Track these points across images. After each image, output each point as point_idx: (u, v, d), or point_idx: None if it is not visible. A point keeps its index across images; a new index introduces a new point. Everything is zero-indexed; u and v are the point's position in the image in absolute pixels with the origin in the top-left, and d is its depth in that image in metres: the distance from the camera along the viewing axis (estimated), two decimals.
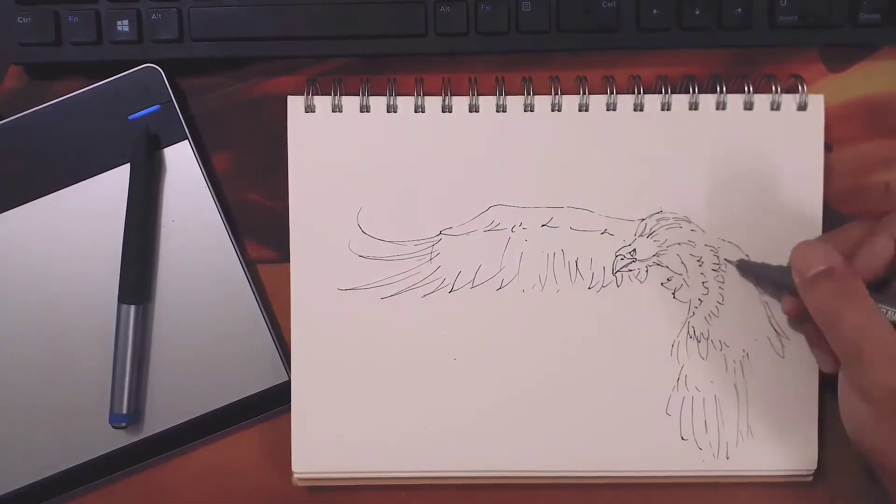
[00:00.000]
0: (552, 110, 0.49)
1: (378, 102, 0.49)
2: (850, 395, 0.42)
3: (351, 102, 0.49)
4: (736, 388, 0.49)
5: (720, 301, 0.49)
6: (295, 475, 0.49)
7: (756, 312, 0.49)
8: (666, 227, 0.49)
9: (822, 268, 0.42)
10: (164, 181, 0.50)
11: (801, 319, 0.47)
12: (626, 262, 0.49)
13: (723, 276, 0.49)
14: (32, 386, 0.49)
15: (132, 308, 0.48)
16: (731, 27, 0.48)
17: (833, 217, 0.50)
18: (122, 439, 0.50)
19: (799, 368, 0.49)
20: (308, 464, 0.49)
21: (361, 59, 0.51)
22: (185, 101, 0.50)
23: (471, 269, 0.49)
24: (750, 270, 0.48)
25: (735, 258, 0.49)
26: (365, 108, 0.49)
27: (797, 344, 0.49)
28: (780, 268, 0.47)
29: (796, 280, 0.43)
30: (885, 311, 0.41)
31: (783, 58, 0.51)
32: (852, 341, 0.40)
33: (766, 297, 0.49)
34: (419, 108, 0.49)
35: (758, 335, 0.49)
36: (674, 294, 0.49)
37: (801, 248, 0.43)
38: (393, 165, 0.49)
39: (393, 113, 0.49)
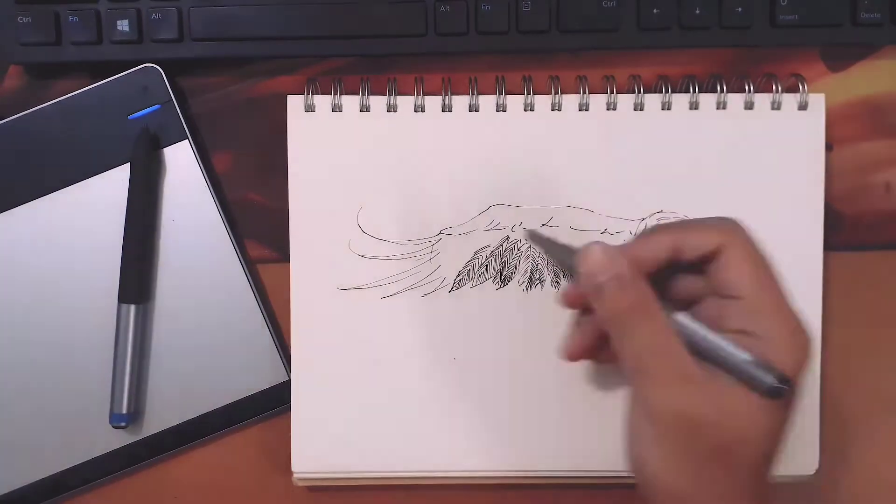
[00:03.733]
0: (552, 110, 0.49)
1: (378, 102, 0.49)
2: (635, 408, 0.38)
3: (351, 102, 0.49)
4: None
5: None
6: (295, 475, 0.49)
7: None
8: None
9: (612, 274, 0.37)
10: (164, 181, 0.50)
11: (576, 310, 0.44)
12: None
13: None
14: (32, 386, 0.49)
15: (132, 308, 0.48)
16: (732, 26, 0.48)
17: (834, 217, 0.50)
18: (122, 439, 0.50)
19: None
20: (308, 464, 0.49)
21: (361, 58, 0.51)
22: (185, 101, 0.50)
23: (471, 269, 0.49)
24: (539, 242, 0.45)
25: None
26: (365, 108, 0.49)
27: None
28: (564, 247, 0.42)
29: (583, 282, 0.38)
30: (679, 323, 0.37)
31: (784, 57, 0.51)
32: (640, 357, 0.37)
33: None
34: (419, 108, 0.49)
35: None
36: None
37: (591, 251, 0.38)
38: (393, 165, 0.49)
39: (393, 113, 0.49)
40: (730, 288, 0.37)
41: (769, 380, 0.34)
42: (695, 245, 0.38)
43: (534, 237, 0.45)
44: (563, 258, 0.42)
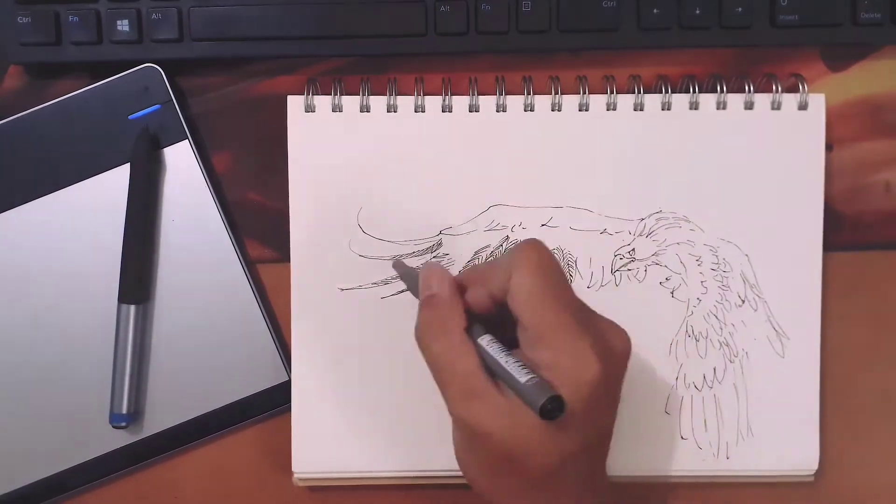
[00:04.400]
0: (552, 110, 0.49)
1: (378, 102, 0.49)
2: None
3: (351, 102, 0.49)
4: (735, 387, 0.49)
5: (719, 300, 0.49)
6: (295, 475, 0.49)
7: (756, 312, 0.49)
8: (665, 226, 0.49)
9: (430, 293, 0.41)
10: (164, 181, 0.50)
11: None
12: (625, 261, 0.49)
13: (722, 276, 0.49)
14: (32, 386, 0.49)
15: (132, 308, 0.48)
16: (732, 26, 0.48)
17: (834, 217, 0.50)
18: (122, 439, 0.50)
19: (799, 368, 0.49)
20: (308, 464, 0.49)
21: (361, 58, 0.51)
22: (185, 101, 0.50)
23: None
24: (400, 271, 0.46)
25: (734, 259, 0.49)
26: (365, 108, 0.49)
27: (797, 344, 0.49)
28: (416, 277, 0.44)
29: (419, 300, 0.42)
30: (480, 345, 0.39)
31: (784, 57, 0.51)
32: (434, 368, 0.40)
33: (762, 296, 0.49)
34: (419, 108, 0.49)
35: (757, 335, 0.49)
36: (672, 293, 0.49)
37: (425, 269, 0.42)
38: (393, 165, 0.49)
39: (393, 113, 0.49)
40: (517, 317, 0.39)
41: (541, 401, 0.35)
42: (497, 287, 0.40)
43: (398, 266, 0.46)
44: (412, 287, 0.44)
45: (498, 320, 0.40)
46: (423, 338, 0.40)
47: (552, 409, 0.35)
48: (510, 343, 0.39)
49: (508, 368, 0.37)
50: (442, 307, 0.40)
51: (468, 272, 0.42)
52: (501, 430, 0.37)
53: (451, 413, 0.39)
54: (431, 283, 0.41)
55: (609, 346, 0.39)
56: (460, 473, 0.48)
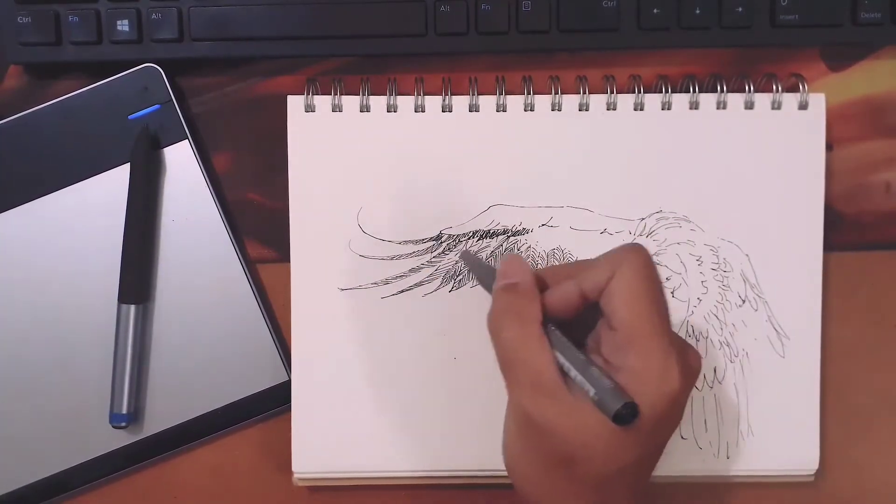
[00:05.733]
0: (552, 110, 0.49)
1: (378, 102, 0.49)
2: (507, 409, 0.40)
3: (351, 102, 0.49)
4: (736, 387, 0.49)
5: (719, 300, 0.49)
6: (295, 475, 0.49)
7: (756, 312, 0.49)
8: (665, 226, 0.49)
9: (510, 281, 0.40)
10: (164, 181, 0.50)
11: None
12: None
13: (722, 276, 0.49)
14: (33, 386, 0.49)
15: (132, 308, 0.48)
16: (732, 26, 0.48)
17: (834, 217, 0.50)
18: (122, 439, 0.50)
19: (799, 368, 0.49)
20: (308, 464, 0.49)
21: (361, 58, 0.51)
22: (185, 101, 0.50)
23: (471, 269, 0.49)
24: (468, 262, 0.47)
25: (734, 259, 0.49)
26: (365, 108, 0.49)
27: (797, 344, 0.49)
28: (487, 268, 0.45)
29: (494, 288, 0.41)
30: (554, 342, 0.38)
31: (784, 57, 0.51)
32: (504, 355, 0.39)
33: (762, 296, 0.49)
34: (419, 108, 0.49)
35: (757, 335, 0.49)
36: (672, 293, 0.49)
37: (507, 260, 0.42)
38: (393, 165, 0.49)
39: (393, 113, 0.49)
40: (609, 318, 0.38)
41: (617, 406, 0.35)
42: (593, 284, 0.39)
43: (465, 257, 0.47)
44: (482, 277, 0.44)
45: (568, 322, 0.40)
46: (498, 323, 0.39)
47: (626, 414, 0.35)
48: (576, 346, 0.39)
49: (584, 369, 0.37)
50: (522, 296, 0.39)
51: (546, 270, 0.42)
52: (567, 430, 0.37)
53: (515, 403, 0.38)
54: (513, 272, 0.40)
55: (688, 364, 0.39)
56: (460, 473, 0.48)
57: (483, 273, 0.44)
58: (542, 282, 0.40)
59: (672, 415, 0.38)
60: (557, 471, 0.38)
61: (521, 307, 0.39)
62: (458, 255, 0.47)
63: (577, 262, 0.44)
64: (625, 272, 0.38)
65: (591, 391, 0.36)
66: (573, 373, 0.37)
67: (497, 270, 0.41)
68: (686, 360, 0.38)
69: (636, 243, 0.40)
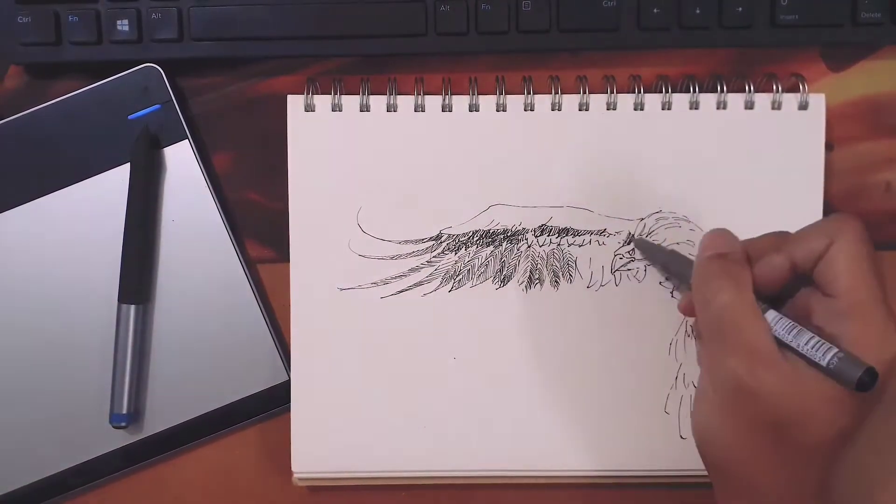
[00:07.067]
0: (552, 110, 0.49)
1: (378, 102, 0.49)
2: (703, 374, 0.40)
3: (351, 102, 0.49)
4: None
5: None
6: (295, 475, 0.49)
7: None
8: (665, 226, 0.49)
9: (718, 251, 0.40)
10: (164, 181, 0.50)
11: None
12: (624, 261, 0.49)
13: None
14: (32, 386, 0.49)
15: (132, 308, 0.48)
16: (732, 26, 0.48)
17: None
18: (122, 439, 0.50)
19: None
20: (308, 464, 0.49)
21: (361, 58, 0.51)
22: (185, 101, 0.50)
23: (471, 269, 0.49)
24: (645, 250, 0.48)
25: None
26: (365, 108, 0.49)
27: None
28: (670, 252, 0.46)
29: (695, 261, 0.41)
30: (771, 317, 0.38)
31: (784, 57, 0.51)
32: (718, 320, 0.38)
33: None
34: (419, 108, 0.49)
35: None
36: (672, 293, 0.49)
37: (711, 233, 0.41)
38: (393, 165, 0.49)
39: (393, 112, 0.49)
40: (826, 286, 0.38)
41: (858, 373, 0.35)
42: (806, 255, 0.39)
43: (640, 245, 0.48)
44: (665, 262, 0.46)
45: (771, 295, 0.40)
46: (712, 286, 0.39)
47: (868, 381, 0.35)
48: None
49: (807, 338, 0.37)
50: (735, 263, 0.39)
51: (749, 242, 0.41)
52: (790, 398, 0.36)
53: (723, 368, 0.38)
54: (721, 243, 0.40)
55: None
56: (460, 473, 0.48)
57: (667, 258, 0.44)
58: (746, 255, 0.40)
59: (889, 381, 0.37)
60: (769, 437, 0.37)
61: (736, 272, 0.39)
62: (632, 242, 0.48)
63: (773, 233, 0.41)
64: (847, 238, 0.38)
65: (825, 359, 0.36)
66: (792, 341, 0.37)
67: (701, 242, 0.41)
68: None
69: (847, 213, 0.40)
